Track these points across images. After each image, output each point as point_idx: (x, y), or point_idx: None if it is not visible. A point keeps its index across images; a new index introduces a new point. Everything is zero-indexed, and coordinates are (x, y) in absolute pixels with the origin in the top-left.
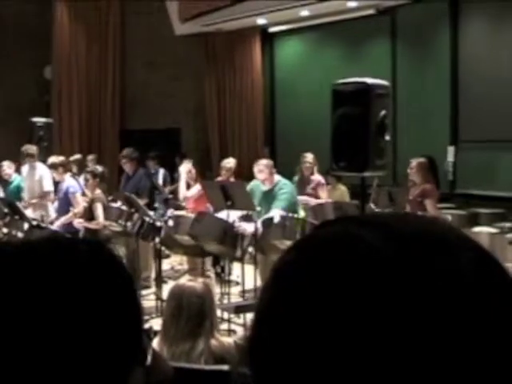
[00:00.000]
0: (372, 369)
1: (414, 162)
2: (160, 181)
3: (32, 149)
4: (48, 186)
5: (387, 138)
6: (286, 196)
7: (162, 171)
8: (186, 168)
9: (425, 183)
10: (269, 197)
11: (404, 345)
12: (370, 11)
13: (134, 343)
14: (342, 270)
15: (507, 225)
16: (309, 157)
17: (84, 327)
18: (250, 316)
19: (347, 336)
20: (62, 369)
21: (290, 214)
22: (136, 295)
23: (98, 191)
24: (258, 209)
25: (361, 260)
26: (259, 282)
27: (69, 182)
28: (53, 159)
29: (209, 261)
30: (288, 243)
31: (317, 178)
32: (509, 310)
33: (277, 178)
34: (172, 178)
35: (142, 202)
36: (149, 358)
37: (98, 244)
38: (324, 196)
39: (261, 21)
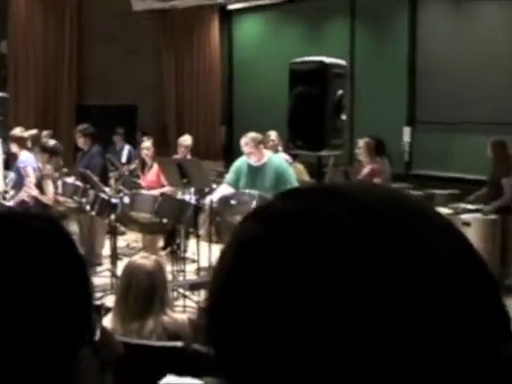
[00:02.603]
0: (332, 345)
1: (361, 142)
2: (124, 157)
3: None
4: None
5: (344, 117)
6: (294, 179)
7: (127, 148)
8: (144, 145)
9: (371, 163)
10: (258, 174)
11: (366, 322)
12: None
13: (83, 321)
14: (308, 246)
15: (462, 206)
16: (272, 135)
17: (32, 303)
18: (204, 293)
19: (310, 312)
20: (9, 344)
21: (247, 191)
22: (87, 273)
23: (49, 167)
24: (228, 188)
25: (328, 236)
26: (214, 260)
27: (23, 156)
28: (15, 132)
29: (161, 241)
30: None
31: (283, 156)
32: (476, 281)
33: (268, 154)
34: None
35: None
36: (97, 335)
37: (51, 220)
38: None
39: None
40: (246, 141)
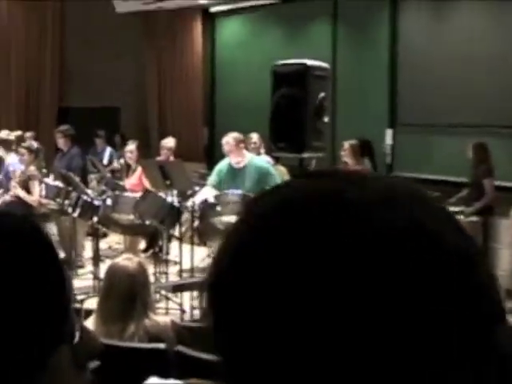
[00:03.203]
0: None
1: (347, 144)
2: (105, 160)
3: None
4: None
5: (326, 119)
6: (277, 180)
7: (108, 150)
8: (128, 148)
9: (357, 165)
10: (240, 175)
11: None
12: None
13: (59, 320)
14: (325, 227)
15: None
16: (254, 137)
17: (2, 303)
18: (187, 295)
19: (325, 301)
20: None
21: (230, 191)
22: (62, 272)
23: (33, 168)
24: (212, 189)
25: (351, 222)
26: (196, 262)
27: (11, 159)
28: (1, 134)
29: (143, 243)
30: (227, 219)
31: (265, 158)
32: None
33: (249, 155)
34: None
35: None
36: (77, 336)
37: (23, 218)
38: None
39: (202, 0)
40: (227, 140)
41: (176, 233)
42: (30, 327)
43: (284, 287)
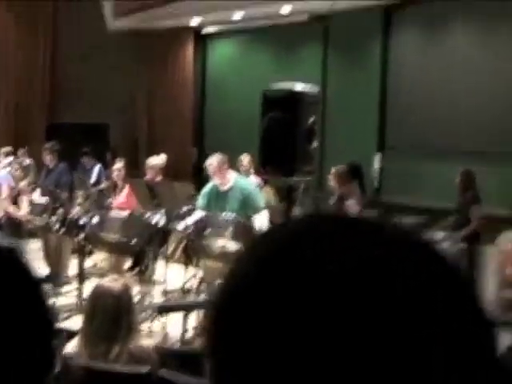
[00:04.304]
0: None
1: (333, 170)
2: (94, 177)
3: None
4: None
5: (315, 144)
6: (260, 201)
7: (97, 167)
8: (116, 167)
9: (341, 188)
10: (226, 197)
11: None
12: (303, 18)
13: (42, 351)
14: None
15: (429, 234)
16: (245, 159)
17: None
18: (172, 316)
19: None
20: None
21: (223, 214)
22: (43, 300)
23: (24, 183)
24: (202, 213)
25: (331, 262)
26: (182, 283)
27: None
28: None
29: (128, 262)
30: (222, 242)
31: (254, 179)
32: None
33: (234, 176)
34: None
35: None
36: (58, 365)
37: None
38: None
39: (194, 21)
40: (211, 161)
41: (163, 252)
42: (10, 359)
43: (286, 321)
